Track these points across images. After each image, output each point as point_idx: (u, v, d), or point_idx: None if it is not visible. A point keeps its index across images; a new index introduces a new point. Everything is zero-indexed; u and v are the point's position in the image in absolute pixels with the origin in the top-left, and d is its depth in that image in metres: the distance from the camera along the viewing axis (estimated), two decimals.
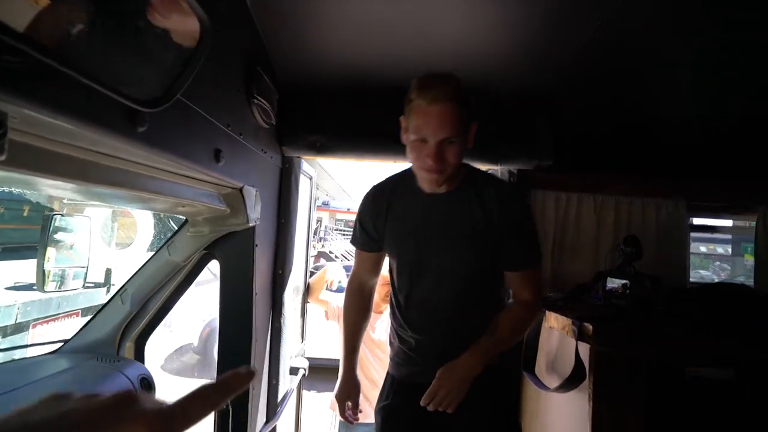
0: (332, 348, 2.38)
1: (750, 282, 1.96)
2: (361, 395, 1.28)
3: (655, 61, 1.34)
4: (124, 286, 1.33)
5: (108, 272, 4.09)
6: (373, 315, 1.39)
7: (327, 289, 2.03)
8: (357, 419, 1.24)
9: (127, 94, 0.54)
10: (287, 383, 1.61)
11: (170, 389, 3.56)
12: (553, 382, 1.30)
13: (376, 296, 1.38)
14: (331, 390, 2.27)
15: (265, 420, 1.45)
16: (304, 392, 1.96)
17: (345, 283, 2.08)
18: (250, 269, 1.27)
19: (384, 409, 1.21)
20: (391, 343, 1.25)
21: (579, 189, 1.75)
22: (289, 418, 1.77)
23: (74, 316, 3.47)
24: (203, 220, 1.19)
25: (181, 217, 1.24)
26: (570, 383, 1.21)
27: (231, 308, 1.29)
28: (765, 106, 1.51)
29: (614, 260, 1.53)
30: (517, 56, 1.35)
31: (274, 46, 1.34)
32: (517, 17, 1.17)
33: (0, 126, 0.43)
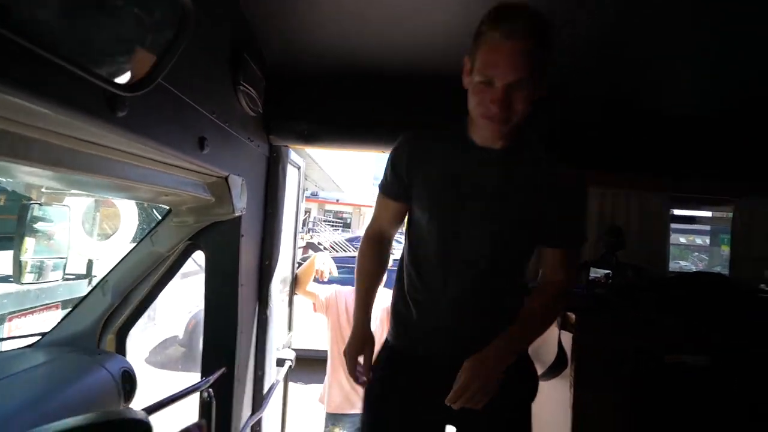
0: (320, 339, 2.38)
1: (726, 271, 2.03)
2: (348, 385, 1.22)
3: (638, 56, 1.35)
4: (105, 277, 1.30)
5: (90, 263, 4.00)
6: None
7: (316, 280, 2.02)
8: (366, 381, 1.06)
9: (105, 77, 0.52)
10: (273, 375, 1.61)
11: (154, 382, 3.52)
12: (537, 370, 1.33)
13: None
14: (319, 382, 2.28)
15: (250, 412, 1.44)
16: (291, 384, 1.96)
17: (335, 273, 2.08)
18: (236, 260, 1.26)
19: (381, 380, 1.06)
20: (395, 310, 1.11)
21: None
22: (275, 410, 1.77)
23: (54, 308, 3.38)
24: (187, 209, 1.17)
25: (165, 206, 1.22)
26: (552, 371, 1.24)
27: (216, 299, 1.27)
28: (745, 103, 1.55)
29: (598, 250, 1.56)
30: None
31: (263, 34, 1.31)
32: None
33: None
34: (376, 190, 1.12)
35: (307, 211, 13.84)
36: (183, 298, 4.30)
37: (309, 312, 2.08)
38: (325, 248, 6.56)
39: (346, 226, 17.81)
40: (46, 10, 0.47)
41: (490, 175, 0.94)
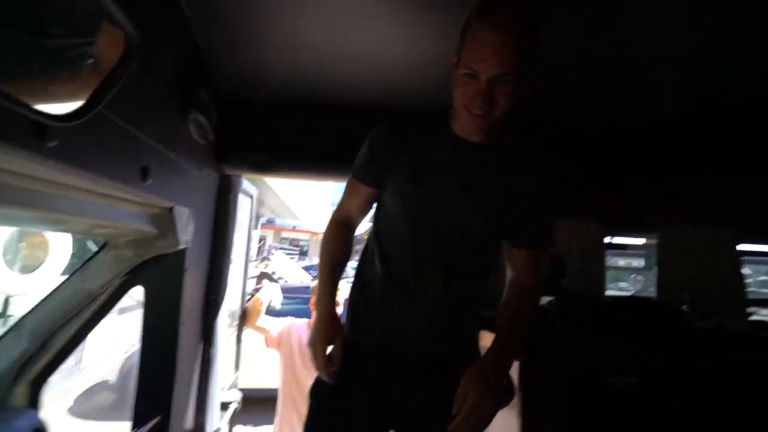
0: (270, 377, 2.25)
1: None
2: (300, 428, 1.08)
3: (639, 56, 1.30)
4: (23, 318, 1.15)
5: (6, 300, 3.55)
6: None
7: (270, 312, 1.93)
8: (334, 378, 0.94)
9: (32, 107, 0.48)
10: (216, 421, 1.49)
11: None
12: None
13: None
14: (269, 423, 2.13)
15: None
16: (239, 427, 1.82)
17: (278, 306, 2.01)
18: (178, 296, 1.18)
19: (336, 373, 0.96)
20: (353, 305, 1.06)
21: None
22: None
23: None
24: (126, 242, 1.09)
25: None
26: (501, 402, 1.26)
27: (153, 339, 1.17)
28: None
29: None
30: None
31: (216, 62, 1.30)
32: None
33: None
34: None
35: (262, 239, 13.37)
36: (118, 337, 3.90)
37: (260, 346, 1.97)
38: (279, 278, 6.33)
39: (303, 254, 17.41)
40: None
41: (464, 165, 0.95)
